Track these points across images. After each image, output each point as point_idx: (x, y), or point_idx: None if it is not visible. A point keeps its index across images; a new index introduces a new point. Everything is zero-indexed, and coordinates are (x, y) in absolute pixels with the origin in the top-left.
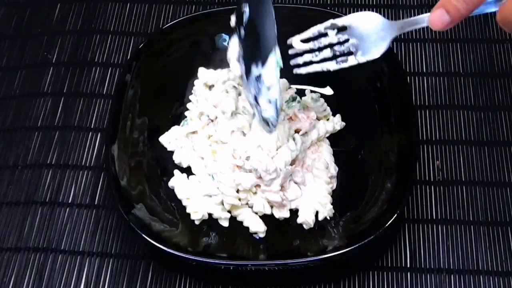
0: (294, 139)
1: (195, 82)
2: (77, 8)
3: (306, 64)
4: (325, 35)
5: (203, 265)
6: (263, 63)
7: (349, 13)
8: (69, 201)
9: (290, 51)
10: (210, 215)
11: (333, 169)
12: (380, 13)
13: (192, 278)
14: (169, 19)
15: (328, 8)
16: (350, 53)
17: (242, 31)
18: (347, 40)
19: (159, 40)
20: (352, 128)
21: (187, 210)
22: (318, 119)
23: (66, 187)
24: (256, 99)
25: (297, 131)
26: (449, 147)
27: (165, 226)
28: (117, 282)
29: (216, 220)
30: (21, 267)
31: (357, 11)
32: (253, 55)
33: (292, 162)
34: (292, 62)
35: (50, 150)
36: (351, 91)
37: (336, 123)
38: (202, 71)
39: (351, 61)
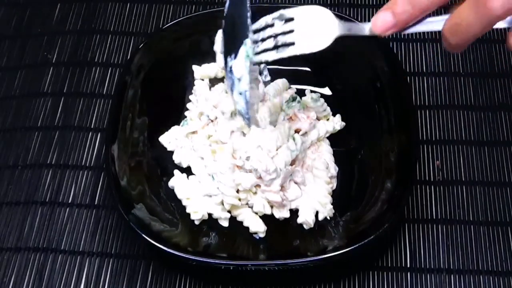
0: (294, 139)
1: (195, 82)
2: (77, 8)
3: None
4: (271, 25)
5: (203, 265)
6: (235, 55)
7: (348, 13)
8: (69, 201)
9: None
10: (210, 215)
11: (333, 169)
12: None
13: (192, 278)
14: (169, 19)
15: (328, 8)
16: (292, 43)
17: (223, 23)
18: (292, 31)
19: (159, 40)
20: (352, 128)
21: (187, 210)
22: (318, 119)
23: (66, 187)
24: (231, 90)
25: (297, 131)
26: (449, 147)
27: (165, 226)
28: (117, 282)
29: (216, 220)
30: (21, 267)
31: (357, 10)
32: (229, 47)
33: (292, 162)
34: None
35: (50, 150)
36: (351, 91)
37: (336, 123)
38: (195, 68)
39: (290, 51)
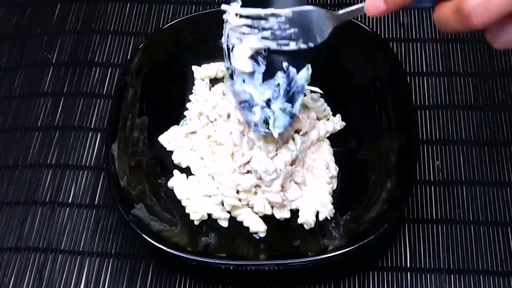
0: (294, 139)
1: (195, 82)
2: (77, 8)
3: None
4: (265, 19)
5: (203, 265)
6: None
7: None
8: (69, 201)
9: (225, 16)
10: (209, 215)
11: (334, 169)
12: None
13: (192, 278)
14: (169, 19)
15: (328, 8)
16: (291, 38)
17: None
18: (287, 28)
19: (159, 40)
20: (352, 128)
21: (187, 210)
22: (318, 119)
23: (66, 187)
24: (268, 102)
25: (297, 131)
26: (449, 147)
27: (165, 226)
28: (117, 282)
29: (216, 220)
30: (21, 267)
31: None
32: (281, 62)
33: (293, 163)
34: (229, 27)
35: (50, 150)
36: (351, 91)
37: (336, 123)
38: (195, 68)
39: (292, 45)
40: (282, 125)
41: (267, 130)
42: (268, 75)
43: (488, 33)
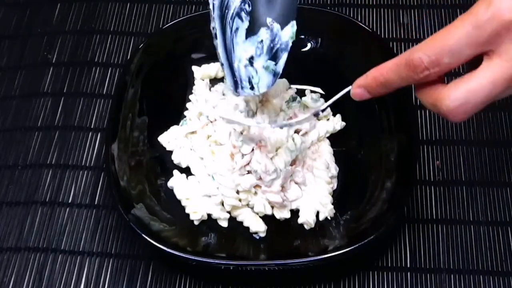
0: (293, 140)
1: (195, 82)
2: (77, 8)
3: None
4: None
5: (203, 265)
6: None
7: (349, 13)
8: (69, 201)
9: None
10: (209, 215)
11: (334, 169)
12: (380, 13)
13: (192, 278)
14: (169, 19)
15: (328, 8)
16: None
17: None
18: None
19: (159, 40)
20: (352, 128)
21: (187, 210)
22: (318, 119)
23: (66, 187)
24: (251, 59)
25: (297, 131)
26: (449, 147)
27: (165, 226)
28: (117, 282)
29: (216, 220)
30: (21, 267)
31: (357, 11)
32: (265, 18)
33: (293, 163)
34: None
35: (50, 150)
36: None
37: (336, 123)
38: (195, 69)
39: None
40: (265, 84)
41: (250, 92)
42: (251, 32)
43: None
